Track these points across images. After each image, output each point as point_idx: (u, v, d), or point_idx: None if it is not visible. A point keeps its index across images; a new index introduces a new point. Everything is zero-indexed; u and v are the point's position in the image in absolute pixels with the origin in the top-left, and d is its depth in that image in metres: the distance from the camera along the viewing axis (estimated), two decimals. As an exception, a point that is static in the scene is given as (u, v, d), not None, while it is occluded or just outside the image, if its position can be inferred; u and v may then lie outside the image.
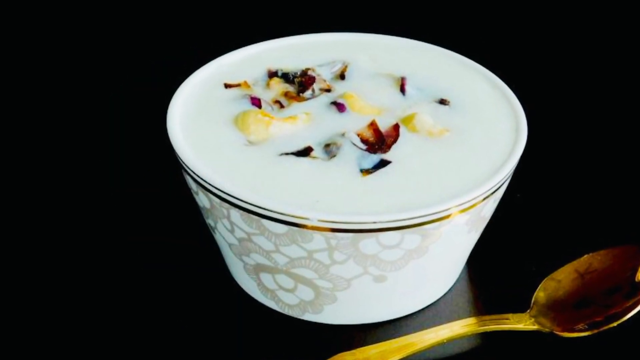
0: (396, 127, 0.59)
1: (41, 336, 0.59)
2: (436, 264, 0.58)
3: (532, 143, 0.60)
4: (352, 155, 0.57)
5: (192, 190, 0.59)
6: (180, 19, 0.98)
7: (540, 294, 0.61)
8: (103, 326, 0.60)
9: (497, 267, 0.65)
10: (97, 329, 0.59)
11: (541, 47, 0.94)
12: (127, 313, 0.61)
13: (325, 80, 0.64)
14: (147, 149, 0.75)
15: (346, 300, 0.58)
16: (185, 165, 0.56)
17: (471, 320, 0.58)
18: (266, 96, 0.62)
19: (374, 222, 0.52)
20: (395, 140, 0.58)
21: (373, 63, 0.66)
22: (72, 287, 0.62)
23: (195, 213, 0.62)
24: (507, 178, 0.58)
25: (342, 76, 0.64)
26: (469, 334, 0.58)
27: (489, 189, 0.55)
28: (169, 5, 0.99)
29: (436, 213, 0.53)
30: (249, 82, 0.63)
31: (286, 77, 0.64)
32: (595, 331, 0.58)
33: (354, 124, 0.59)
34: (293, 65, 0.65)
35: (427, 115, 0.60)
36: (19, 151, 0.76)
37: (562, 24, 0.98)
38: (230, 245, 0.59)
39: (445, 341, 0.57)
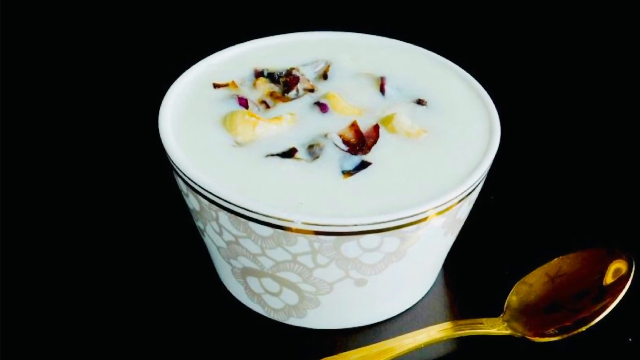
0: (376, 128, 0.60)
1: (26, 338, 0.60)
2: (414, 268, 0.59)
3: (506, 145, 0.61)
4: (335, 157, 0.58)
5: (182, 193, 0.59)
6: (171, 17, 0.97)
7: (513, 298, 0.61)
8: (88, 324, 0.60)
9: (473, 270, 0.65)
10: (82, 327, 0.60)
11: (517, 48, 0.94)
12: (113, 313, 0.61)
13: (308, 80, 0.64)
14: (138, 150, 0.75)
15: (329, 304, 0.59)
16: (177, 167, 0.57)
17: (447, 325, 0.59)
18: (253, 96, 0.63)
19: (355, 225, 0.53)
20: (375, 141, 0.59)
21: (354, 63, 0.67)
22: (57, 283, 0.63)
23: (185, 216, 0.63)
24: (481, 180, 0.58)
25: (324, 76, 0.65)
26: (445, 338, 0.58)
27: (464, 191, 0.56)
28: (160, 6, 0.99)
29: (414, 215, 0.54)
30: (237, 81, 0.64)
31: (272, 77, 0.64)
32: (565, 336, 0.58)
33: (336, 124, 0.60)
34: (278, 64, 0.66)
35: (405, 116, 0.61)
36: (3, 150, 0.75)
37: (537, 25, 0.98)
38: (218, 248, 0.59)
39: (422, 346, 0.58)
